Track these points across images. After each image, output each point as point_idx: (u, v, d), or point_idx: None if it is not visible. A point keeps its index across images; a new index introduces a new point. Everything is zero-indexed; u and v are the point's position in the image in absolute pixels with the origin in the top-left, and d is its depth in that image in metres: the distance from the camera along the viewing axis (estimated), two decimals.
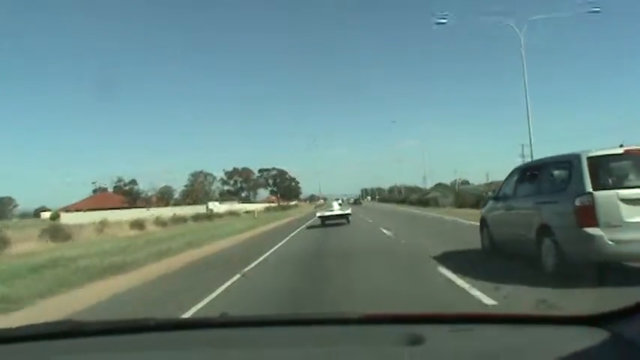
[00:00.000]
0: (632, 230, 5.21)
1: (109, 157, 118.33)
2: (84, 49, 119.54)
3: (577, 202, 5.48)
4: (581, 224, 5.40)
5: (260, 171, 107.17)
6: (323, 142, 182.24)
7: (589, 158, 5.61)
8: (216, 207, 58.32)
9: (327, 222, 21.45)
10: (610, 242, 5.23)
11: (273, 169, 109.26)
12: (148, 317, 1.50)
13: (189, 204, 63.30)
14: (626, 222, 5.25)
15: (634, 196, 5.29)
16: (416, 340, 1.13)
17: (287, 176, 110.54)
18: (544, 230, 6.13)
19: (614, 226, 5.26)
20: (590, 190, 5.41)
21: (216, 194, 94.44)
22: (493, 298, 5.08)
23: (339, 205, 25.18)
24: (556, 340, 1.15)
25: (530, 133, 21.29)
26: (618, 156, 5.67)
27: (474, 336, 1.25)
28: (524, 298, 5.02)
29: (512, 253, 7.42)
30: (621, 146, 5.82)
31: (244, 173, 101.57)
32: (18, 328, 1.48)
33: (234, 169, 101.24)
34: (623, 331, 1.08)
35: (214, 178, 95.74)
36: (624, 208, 5.28)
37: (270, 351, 1.26)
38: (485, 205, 9.84)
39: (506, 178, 8.36)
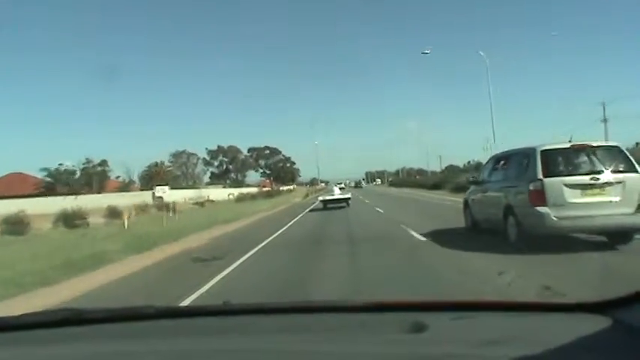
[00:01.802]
0: (572, 209, 7.20)
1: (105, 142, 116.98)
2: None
3: (531, 187, 7.45)
4: (534, 204, 7.38)
5: (250, 150, 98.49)
6: (324, 126, 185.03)
7: (542, 151, 7.57)
8: (166, 194, 49.09)
9: (329, 205, 24.67)
10: (555, 218, 7.21)
11: (265, 147, 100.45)
12: (149, 305, 1.62)
13: (150, 189, 55.90)
14: (568, 202, 7.24)
15: (574, 182, 7.28)
16: (418, 328, 1.21)
17: (281, 156, 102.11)
18: (508, 209, 8.14)
19: (559, 206, 7.24)
20: (541, 177, 7.37)
21: (206, 177, 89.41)
22: None
23: (341, 189, 28.96)
24: (559, 328, 1.22)
25: None
26: (566, 149, 7.65)
27: (476, 323, 1.33)
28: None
29: (488, 229, 9.45)
30: (570, 141, 7.82)
31: (230, 152, 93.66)
32: (16, 317, 1.56)
33: (219, 147, 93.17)
34: (627, 319, 1.15)
35: (198, 158, 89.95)
36: (567, 191, 7.26)
37: (272, 338, 1.33)
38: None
39: (484, 166, 10.38)
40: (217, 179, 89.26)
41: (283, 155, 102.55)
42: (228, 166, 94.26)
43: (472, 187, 10.98)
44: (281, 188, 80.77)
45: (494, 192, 9.06)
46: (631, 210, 7.19)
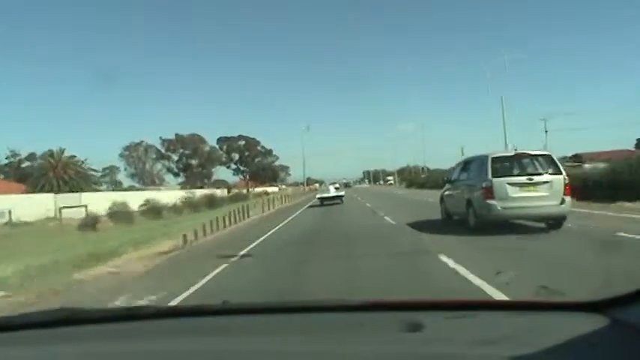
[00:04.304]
0: (513, 201, 10.88)
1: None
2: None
3: (483, 185, 11.12)
4: (485, 198, 11.02)
5: (219, 141, 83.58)
6: (321, 124, 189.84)
7: (492, 158, 11.27)
8: None
9: (325, 202, 30.51)
10: (500, 208, 10.86)
11: (239, 136, 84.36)
12: (147, 305, 2.26)
13: (49, 190, 43.84)
14: (510, 196, 10.90)
15: (514, 181, 10.99)
16: (415, 327, 1.36)
17: (259, 148, 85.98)
18: (469, 202, 11.75)
19: (503, 199, 10.89)
20: (491, 177, 11.01)
21: (169, 174, 79.21)
22: None
23: (336, 189, 34.45)
24: (556, 327, 1.37)
25: None
26: (510, 157, 11.37)
27: (473, 323, 1.49)
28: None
29: (457, 219, 13.05)
30: (515, 150, 11.46)
31: (191, 141, 78.73)
32: (14, 317, 1.79)
33: (177, 135, 78.53)
34: (624, 318, 1.27)
35: (158, 151, 79.85)
36: (509, 188, 10.93)
37: (271, 338, 1.49)
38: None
39: (455, 167, 14.10)
40: (186, 178, 78.88)
41: (263, 147, 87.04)
42: (189, 160, 80.00)
43: (446, 185, 14.68)
44: (261, 189, 67.43)
45: (460, 189, 12.77)
46: (557, 202, 10.88)
